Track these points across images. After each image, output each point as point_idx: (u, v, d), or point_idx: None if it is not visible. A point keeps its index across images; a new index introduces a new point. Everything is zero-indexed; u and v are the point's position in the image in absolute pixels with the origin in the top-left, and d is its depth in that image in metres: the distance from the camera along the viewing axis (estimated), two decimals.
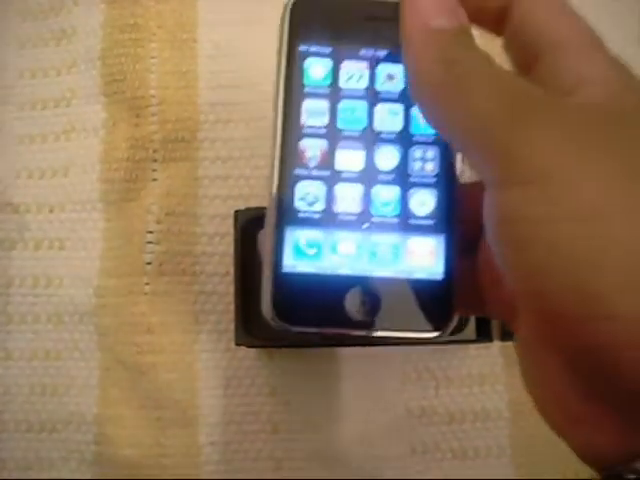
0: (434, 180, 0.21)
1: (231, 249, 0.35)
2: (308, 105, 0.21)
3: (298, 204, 0.21)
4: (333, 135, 0.21)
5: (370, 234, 0.21)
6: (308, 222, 0.21)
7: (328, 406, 0.37)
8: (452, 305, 0.21)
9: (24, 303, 0.38)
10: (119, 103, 0.39)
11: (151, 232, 0.37)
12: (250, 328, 0.33)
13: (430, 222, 0.21)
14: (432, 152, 0.21)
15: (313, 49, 0.21)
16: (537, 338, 0.18)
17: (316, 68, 0.21)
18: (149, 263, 0.37)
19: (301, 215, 0.21)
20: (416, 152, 0.21)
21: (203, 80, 0.39)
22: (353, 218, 0.21)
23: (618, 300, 0.15)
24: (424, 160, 0.21)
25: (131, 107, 0.39)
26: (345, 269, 0.21)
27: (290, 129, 0.21)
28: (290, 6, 0.22)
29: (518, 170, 0.16)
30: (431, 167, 0.21)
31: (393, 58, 0.21)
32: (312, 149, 0.21)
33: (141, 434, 0.36)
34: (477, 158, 0.18)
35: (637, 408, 0.16)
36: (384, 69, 0.21)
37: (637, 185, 0.16)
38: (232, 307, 0.34)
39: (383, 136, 0.21)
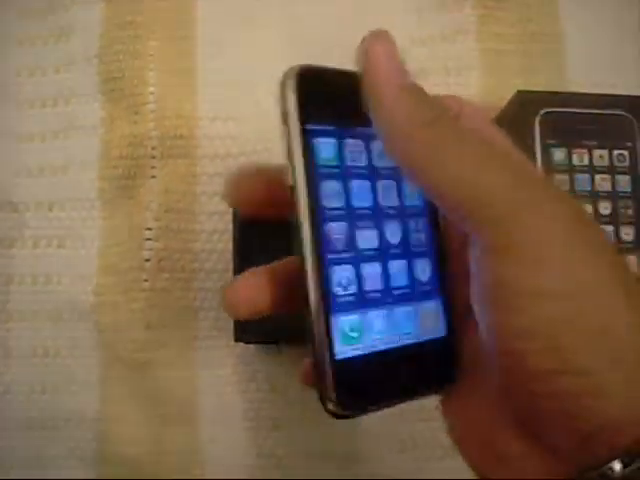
0: (428, 247, 0.23)
1: (230, 246, 0.35)
2: (326, 187, 0.21)
3: (336, 289, 0.21)
4: (351, 216, 0.21)
5: (394, 308, 0.22)
6: (347, 307, 0.21)
7: None
8: (459, 355, 0.22)
9: (24, 301, 0.38)
10: (117, 101, 0.39)
11: (150, 229, 0.37)
12: (249, 324, 0.33)
13: (431, 287, 0.22)
14: (422, 221, 0.23)
15: (321, 128, 0.21)
16: (499, 388, 0.20)
17: (326, 148, 0.21)
18: (148, 260, 0.37)
19: (340, 300, 0.21)
20: (411, 223, 0.22)
21: (201, 77, 0.39)
22: (379, 295, 0.22)
23: (588, 362, 0.18)
24: (418, 230, 0.23)
25: (129, 105, 0.39)
26: (381, 345, 0.21)
27: (315, 213, 0.20)
28: (294, 83, 0.20)
29: (514, 241, 0.18)
30: (424, 236, 0.23)
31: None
32: (338, 232, 0.21)
33: (141, 431, 0.36)
34: (467, 222, 0.19)
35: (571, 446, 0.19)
36: (377, 146, 0.22)
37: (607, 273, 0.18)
38: None
39: (387, 211, 0.22)
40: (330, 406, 0.20)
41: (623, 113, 0.35)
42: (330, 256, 0.21)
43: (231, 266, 0.34)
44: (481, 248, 0.19)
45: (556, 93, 0.37)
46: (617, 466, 0.18)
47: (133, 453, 0.36)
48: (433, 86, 0.41)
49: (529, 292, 0.18)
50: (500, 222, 0.18)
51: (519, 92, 0.35)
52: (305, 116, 0.20)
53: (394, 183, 0.22)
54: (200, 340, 0.37)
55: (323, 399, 0.20)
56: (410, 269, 0.22)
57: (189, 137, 0.39)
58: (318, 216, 0.20)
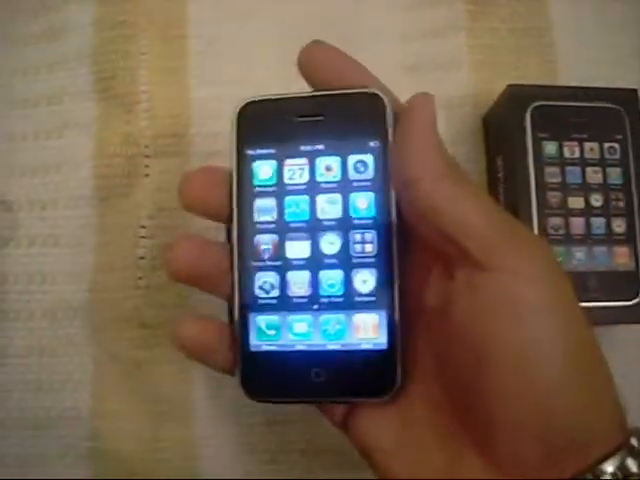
0: (374, 260, 0.23)
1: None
2: (258, 204, 0.24)
3: (257, 292, 0.24)
4: (282, 228, 0.24)
5: (320, 313, 0.24)
6: (267, 308, 0.24)
7: None
8: (396, 371, 0.23)
9: (18, 300, 0.38)
10: (110, 100, 0.39)
11: (144, 227, 0.37)
12: None
13: (373, 298, 0.23)
14: (370, 234, 0.24)
15: (259, 152, 0.24)
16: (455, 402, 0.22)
17: (263, 169, 0.24)
18: (142, 258, 0.37)
19: (260, 302, 0.24)
20: (356, 235, 0.24)
21: (193, 76, 0.40)
22: (305, 300, 0.24)
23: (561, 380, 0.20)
24: (364, 242, 0.24)
25: (122, 103, 0.39)
26: (301, 345, 0.24)
27: (245, 226, 0.24)
28: (236, 113, 0.24)
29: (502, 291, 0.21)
30: (370, 248, 0.24)
31: (328, 151, 0.24)
32: (265, 243, 0.24)
33: (136, 428, 0.36)
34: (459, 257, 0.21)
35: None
36: (322, 162, 0.24)
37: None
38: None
39: (325, 224, 0.24)
40: (240, 388, 0.23)
41: (613, 106, 0.35)
42: (255, 264, 0.24)
43: None
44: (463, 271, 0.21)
45: (546, 87, 0.37)
46: None
47: (128, 450, 0.36)
48: (424, 82, 0.41)
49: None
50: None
51: (509, 86, 0.36)
52: (244, 142, 0.24)
53: (339, 196, 0.24)
54: None
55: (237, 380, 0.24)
56: (347, 279, 0.23)
57: (182, 135, 0.39)
58: (246, 229, 0.24)
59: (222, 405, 0.36)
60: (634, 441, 0.20)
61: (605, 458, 0.20)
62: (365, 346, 0.23)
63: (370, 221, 0.23)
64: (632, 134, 0.35)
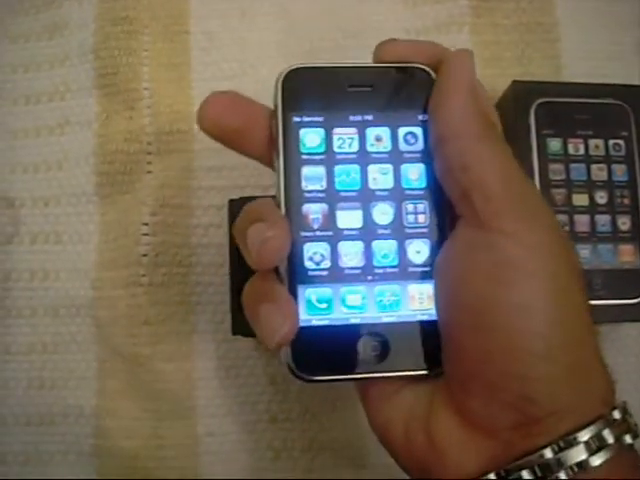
0: (427, 230, 0.23)
1: (227, 240, 0.35)
2: (307, 172, 0.23)
3: (307, 264, 0.23)
4: (332, 197, 0.23)
5: (374, 285, 0.23)
6: (317, 279, 0.23)
7: (326, 395, 0.37)
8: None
9: (21, 297, 0.38)
10: (112, 96, 0.39)
11: (146, 224, 0.37)
12: (246, 317, 0.33)
13: (427, 269, 0.23)
14: (422, 205, 0.23)
15: (306, 119, 0.23)
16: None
17: (311, 137, 0.23)
18: (145, 255, 0.37)
19: (310, 273, 0.23)
20: (408, 206, 0.23)
21: (196, 72, 0.39)
22: (358, 272, 0.23)
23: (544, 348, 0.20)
24: (416, 213, 0.24)
25: (124, 100, 0.39)
26: (354, 319, 0.23)
27: (293, 195, 0.23)
28: (282, 79, 0.23)
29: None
30: (423, 219, 0.23)
31: (378, 121, 0.23)
32: (314, 212, 0.23)
33: (139, 425, 0.36)
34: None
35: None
36: (372, 132, 0.23)
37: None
38: (229, 297, 0.34)
39: (378, 194, 0.23)
40: (287, 367, 0.22)
41: (618, 102, 0.35)
42: (304, 234, 0.23)
43: (228, 260, 0.34)
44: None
45: (551, 83, 0.37)
46: (548, 453, 0.20)
47: (131, 447, 0.36)
48: None
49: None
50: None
51: (514, 82, 0.35)
52: (293, 109, 0.23)
53: (390, 167, 0.23)
54: (198, 334, 0.37)
55: (284, 358, 0.22)
56: (400, 250, 0.23)
57: (184, 132, 0.39)
58: (295, 198, 0.23)
59: (225, 403, 0.36)
60: (617, 414, 0.21)
61: (580, 428, 0.20)
62: (420, 317, 0.23)
63: (422, 192, 0.23)
64: (637, 131, 0.35)
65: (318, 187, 0.23)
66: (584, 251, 0.34)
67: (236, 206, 0.34)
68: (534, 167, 0.34)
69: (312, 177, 0.23)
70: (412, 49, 0.24)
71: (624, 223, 0.34)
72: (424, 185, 0.23)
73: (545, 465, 0.20)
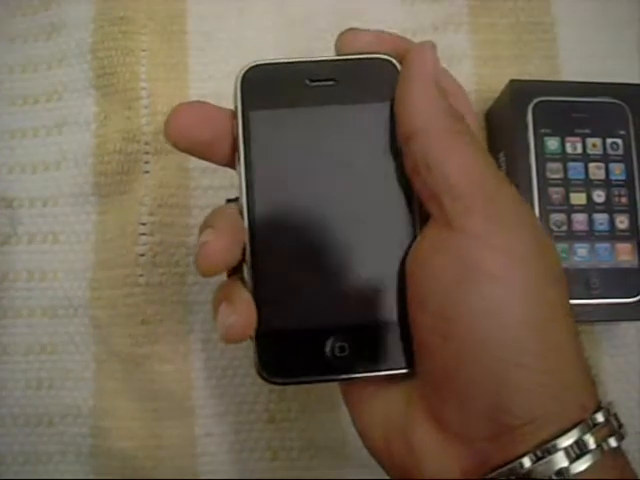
0: (398, 226, 0.23)
1: None
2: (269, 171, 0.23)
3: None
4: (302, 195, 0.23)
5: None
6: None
7: (324, 394, 0.37)
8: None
9: (19, 297, 0.38)
10: (110, 96, 0.39)
11: (144, 224, 0.37)
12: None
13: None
14: (392, 199, 0.23)
15: (266, 116, 0.22)
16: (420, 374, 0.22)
17: (271, 134, 0.23)
18: (142, 255, 0.37)
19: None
20: (375, 198, 0.23)
21: (194, 72, 0.39)
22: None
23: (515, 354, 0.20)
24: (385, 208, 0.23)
25: (122, 100, 0.39)
26: (319, 321, 0.22)
27: (255, 195, 0.22)
28: (241, 77, 0.23)
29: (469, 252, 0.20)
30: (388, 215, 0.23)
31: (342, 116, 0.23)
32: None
33: (137, 426, 0.36)
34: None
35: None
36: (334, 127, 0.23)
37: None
38: None
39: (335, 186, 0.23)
40: (256, 370, 0.22)
41: (616, 101, 0.35)
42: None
43: None
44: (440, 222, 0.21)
45: (549, 82, 0.37)
46: (527, 462, 0.19)
47: (128, 448, 0.36)
48: None
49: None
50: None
51: (512, 81, 0.35)
52: (252, 107, 0.22)
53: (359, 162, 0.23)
54: (195, 334, 0.37)
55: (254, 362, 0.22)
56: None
57: None
58: (257, 198, 0.22)
59: (223, 403, 0.36)
60: (600, 417, 0.20)
61: (558, 435, 0.19)
62: (388, 317, 0.22)
63: (391, 185, 0.22)
64: (635, 129, 0.35)
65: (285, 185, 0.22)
66: (582, 250, 0.34)
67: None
68: (532, 166, 0.34)
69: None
70: (375, 39, 0.23)
71: (622, 222, 0.34)
72: (394, 181, 0.22)
73: (525, 475, 0.19)
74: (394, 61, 0.22)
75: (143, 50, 0.39)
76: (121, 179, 0.38)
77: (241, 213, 0.22)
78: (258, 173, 0.22)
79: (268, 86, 0.22)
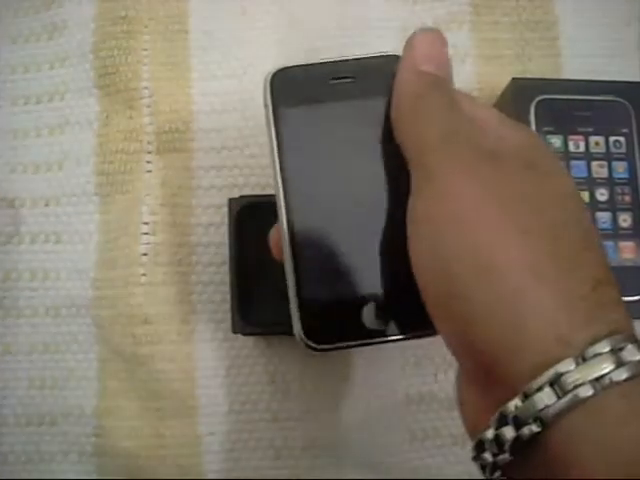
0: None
1: (226, 239, 0.35)
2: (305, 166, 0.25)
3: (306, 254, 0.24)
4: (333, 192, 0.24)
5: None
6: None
7: (327, 393, 0.37)
8: None
9: (22, 297, 0.38)
10: (112, 96, 0.39)
11: (146, 223, 0.37)
12: (247, 316, 0.33)
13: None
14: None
15: (296, 114, 0.24)
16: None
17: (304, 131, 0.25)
18: (145, 254, 0.37)
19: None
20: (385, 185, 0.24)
21: (195, 71, 0.39)
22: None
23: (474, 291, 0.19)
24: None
25: (124, 99, 0.39)
26: (357, 289, 0.23)
27: (293, 192, 0.24)
28: (269, 80, 0.24)
29: (431, 188, 0.21)
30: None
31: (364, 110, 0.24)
32: None
33: (140, 425, 0.36)
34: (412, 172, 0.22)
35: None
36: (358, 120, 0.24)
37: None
38: (229, 296, 0.34)
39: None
40: (299, 338, 0.23)
41: (619, 99, 0.35)
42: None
43: (228, 259, 0.34)
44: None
45: (551, 80, 0.37)
46: (509, 433, 0.19)
47: (132, 447, 0.36)
48: None
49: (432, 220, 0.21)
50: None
51: (514, 80, 0.35)
52: (281, 106, 0.24)
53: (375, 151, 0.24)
54: (198, 333, 0.37)
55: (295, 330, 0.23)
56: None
57: (184, 131, 0.39)
58: (295, 194, 0.23)
59: (226, 402, 0.36)
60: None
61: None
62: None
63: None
64: (638, 127, 0.35)
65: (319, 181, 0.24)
66: None
67: (236, 205, 0.34)
68: None
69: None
70: None
71: (625, 220, 0.34)
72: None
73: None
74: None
75: (145, 49, 0.39)
76: (123, 178, 0.38)
77: (277, 197, 0.24)
78: (291, 163, 0.24)
79: (294, 86, 0.24)
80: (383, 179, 0.24)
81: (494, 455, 0.19)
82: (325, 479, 0.36)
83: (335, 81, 0.24)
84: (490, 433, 0.19)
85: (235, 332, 0.33)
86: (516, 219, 0.20)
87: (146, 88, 0.39)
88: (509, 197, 0.20)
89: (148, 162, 0.38)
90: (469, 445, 0.37)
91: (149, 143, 0.38)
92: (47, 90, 0.40)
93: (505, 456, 0.19)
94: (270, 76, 0.24)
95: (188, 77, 0.39)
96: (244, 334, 0.34)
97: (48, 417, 0.37)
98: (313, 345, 0.23)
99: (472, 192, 0.20)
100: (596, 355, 0.18)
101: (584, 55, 0.39)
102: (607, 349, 0.18)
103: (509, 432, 0.19)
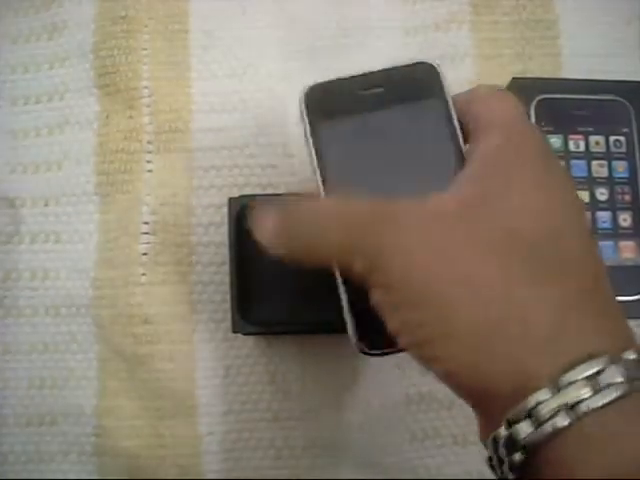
0: None
1: (226, 238, 0.34)
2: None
3: None
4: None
5: None
6: None
7: (328, 393, 0.37)
8: None
9: (21, 296, 0.38)
10: (112, 95, 0.39)
11: (146, 223, 0.37)
12: (247, 316, 0.33)
13: None
14: None
15: (333, 127, 0.25)
16: None
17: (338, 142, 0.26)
18: (145, 254, 0.37)
19: None
20: None
21: (195, 71, 0.39)
22: None
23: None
24: None
25: (124, 99, 0.39)
26: None
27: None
28: (304, 96, 0.25)
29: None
30: None
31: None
32: None
33: (140, 425, 0.36)
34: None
35: None
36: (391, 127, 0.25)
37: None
38: (229, 296, 0.34)
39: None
40: (355, 346, 0.24)
41: (619, 99, 0.35)
42: None
43: (228, 258, 0.34)
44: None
45: (551, 80, 0.37)
46: (503, 456, 0.19)
47: (132, 447, 0.36)
48: None
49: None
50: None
51: (514, 79, 0.35)
52: (317, 120, 0.25)
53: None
54: (198, 333, 0.37)
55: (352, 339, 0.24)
56: None
57: (184, 130, 0.39)
58: None
59: (226, 401, 0.36)
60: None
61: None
62: None
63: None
64: (638, 127, 0.35)
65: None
66: None
67: (236, 204, 0.34)
68: None
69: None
70: None
71: (625, 220, 0.34)
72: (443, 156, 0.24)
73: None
74: (431, 62, 0.25)
75: (145, 49, 0.39)
76: (123, 178, 0.38)
77: None
78: (332, 174, 0.25)
79: (328, 100, 0.25)
80: (417, 175, 0.24)
81: (502, 472, 0.20)
82: (325, 479, 0.36)
83: (366, 92, 0.25)
84: (490, 451, 0.20)
85: (235, 332, 0.33)
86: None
87: (146, 88, 0.39)
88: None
89: (148, 162, 0.38)
90: (469, 445, 0.38)
91: (149, 143, 0.38)
92: (47, 90, 0.40)
93: (509, 474, 0.19)
94: (304, 92, 0.25)
95: (188, 77, 0.39)
96: (244, 334, 0.34)
97: (48, 417, 0.37)
98: (366, 350, 0.24)
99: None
100: (570, 383, 0.18)
101: (584, 54, 0.39)
102: (582, 375, 0.18)
103: (503, 454, 0.19)
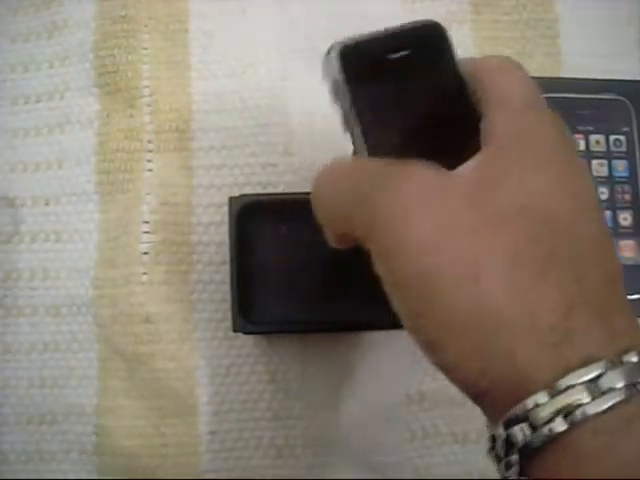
0: None
1: (227, 238, 0.34)
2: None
3: None
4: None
5: None
6: None
7: (328, 392, 0.37)
8: None
9: (22, 296, 0.38)
10: (112, 94, 0.39)
11: (147, 222, 0.37)
12: (247, 315, 0.33)
13: None
14: None
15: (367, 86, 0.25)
16: None
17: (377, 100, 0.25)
18: (146, 253, 0.37)
19: None
20: None
21: (195, 70, 0.39)
22: None
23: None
24: None
25: (125, 98, 0.39)
26: None
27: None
28: (338, 54, 0.24)
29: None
30: None
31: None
32: None
33: (141, 424, 0.36)
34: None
35: None
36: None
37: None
38: (229, 295, 0.34)
39: None
40: None
41: (619, 98, 0.35)
42: None
43: (228, 258, 0.34)
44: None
45: (552, 79, 0.37)
46: (502, 454, 0.19)
47: (132, 446, 0.36)
48: None
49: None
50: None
51: None
52: (352, 79, 0.24)
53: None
54: (199, 332, 0.37)
55: None
56: None
57: (184, 130, 0.39)
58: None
59: (226, 401, 0.36)
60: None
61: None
62: None
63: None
64: (638, 126, 0.35)
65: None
66: None
67: (236, 204, 0.34)
68: None
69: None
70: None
71: (625, 219, 0.34)
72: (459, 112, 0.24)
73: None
74: (438, 22, 0.25)
75: (145, 48, 0.39)
76: (123, 177, 0.38)
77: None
78: (370, 126, 0.24)
79: (360, 61, 0.24)
80: (441, 124, 0.24)
81: (503, 466, 0.19)
82: (326, 478, 0.36)
83: (395, 55, 0.24)
84: (489, 449, 0.19)
85: (236, 331, 0.33)
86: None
87: (146, 87, 0.39)
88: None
89: (149, 161, 0.38)
90: (470, 444, 0.38)
91: (149, 142, 0.38)
92: (47, 89, 0.40)
93: (507, 473, 0.19)
94: (339, 50, 0.24)
95: (188, 76, 0.39)
96: (245, 333, 0.34)
97: (48, 416, 0.37)
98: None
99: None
100: (568, 387, 0.17)
101: (584, 54, 0.39)
102: (581, 380, 0.17)
103: (502, 454, 0.19)
